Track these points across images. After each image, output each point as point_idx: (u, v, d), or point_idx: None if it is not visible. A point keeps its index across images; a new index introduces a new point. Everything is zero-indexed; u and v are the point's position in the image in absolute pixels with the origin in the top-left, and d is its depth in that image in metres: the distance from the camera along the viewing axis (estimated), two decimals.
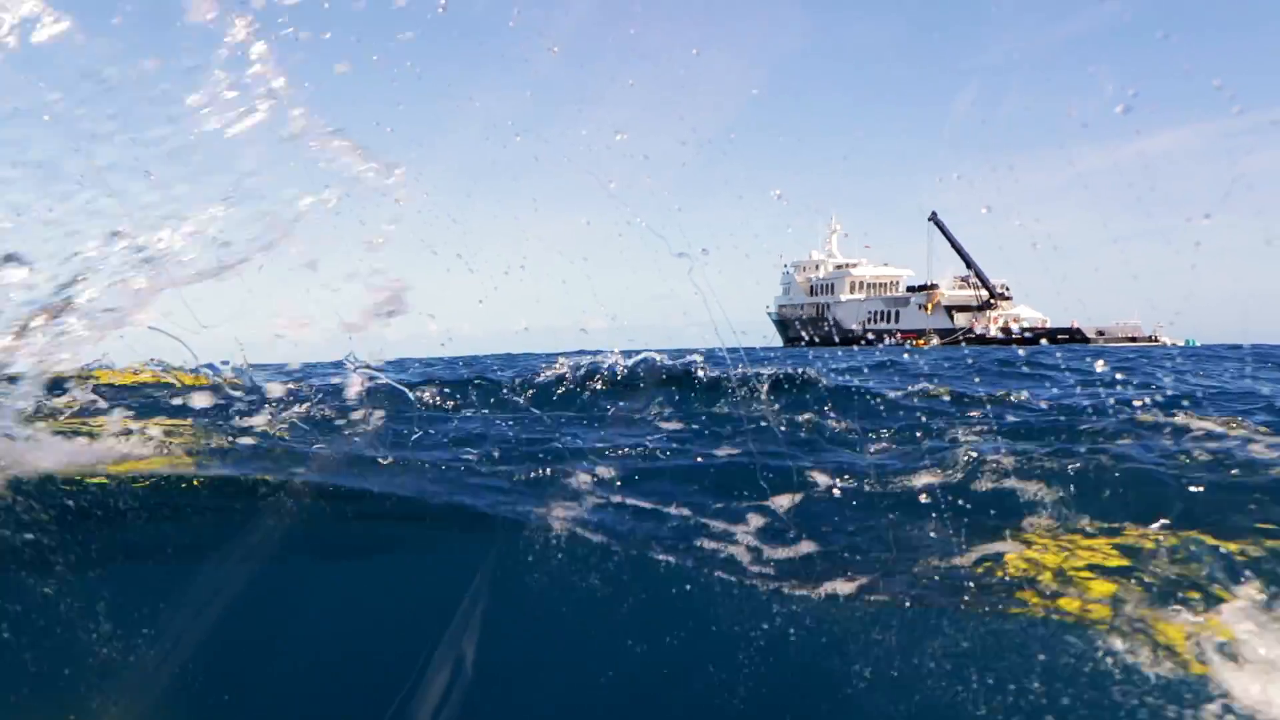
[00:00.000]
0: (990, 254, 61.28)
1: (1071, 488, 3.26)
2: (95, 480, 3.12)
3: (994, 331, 57.37)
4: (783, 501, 3.31)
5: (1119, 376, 8.46)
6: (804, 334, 65.08)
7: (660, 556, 2.91)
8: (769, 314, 74.79)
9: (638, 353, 6.67)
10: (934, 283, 65.13)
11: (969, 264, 62.27)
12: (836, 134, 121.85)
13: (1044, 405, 6.00)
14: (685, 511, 3.19)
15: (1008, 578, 2.71)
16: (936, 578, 2.76)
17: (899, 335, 61.12)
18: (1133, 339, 50.88)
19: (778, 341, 71.06)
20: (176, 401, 4.67)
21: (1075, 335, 53.42)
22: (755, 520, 3.11)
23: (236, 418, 4.47)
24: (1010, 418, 5.29)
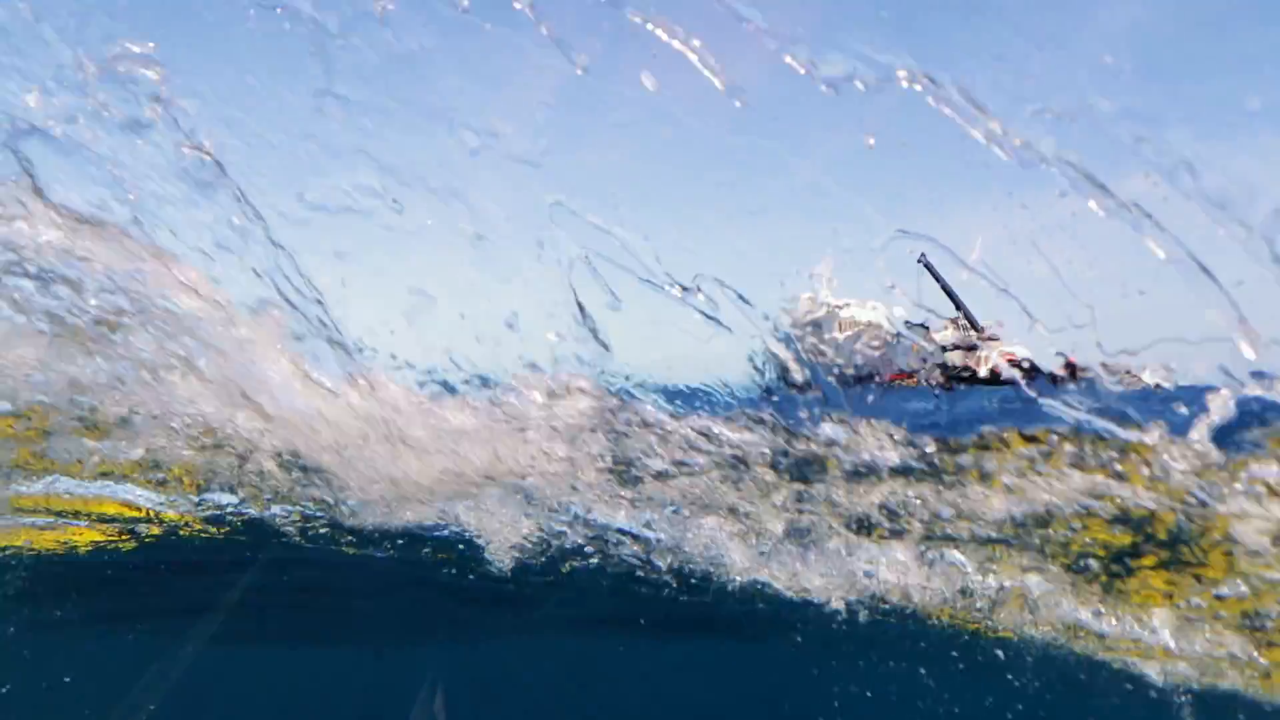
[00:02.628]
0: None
1: None
2: None
3: (992, 370, 56.89)
4: None
5: None
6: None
7: None
8: (750, 359, 74.14)
9: None
10: (925, 323, 64.85)
11: (957, 305, 62.07)
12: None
13: None
14: None
15: None
16: None
17: (887, 376, 60.32)
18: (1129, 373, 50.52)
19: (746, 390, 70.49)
20: None
21: (1073, 374, 53.02)
22: None
23: None
24: None
